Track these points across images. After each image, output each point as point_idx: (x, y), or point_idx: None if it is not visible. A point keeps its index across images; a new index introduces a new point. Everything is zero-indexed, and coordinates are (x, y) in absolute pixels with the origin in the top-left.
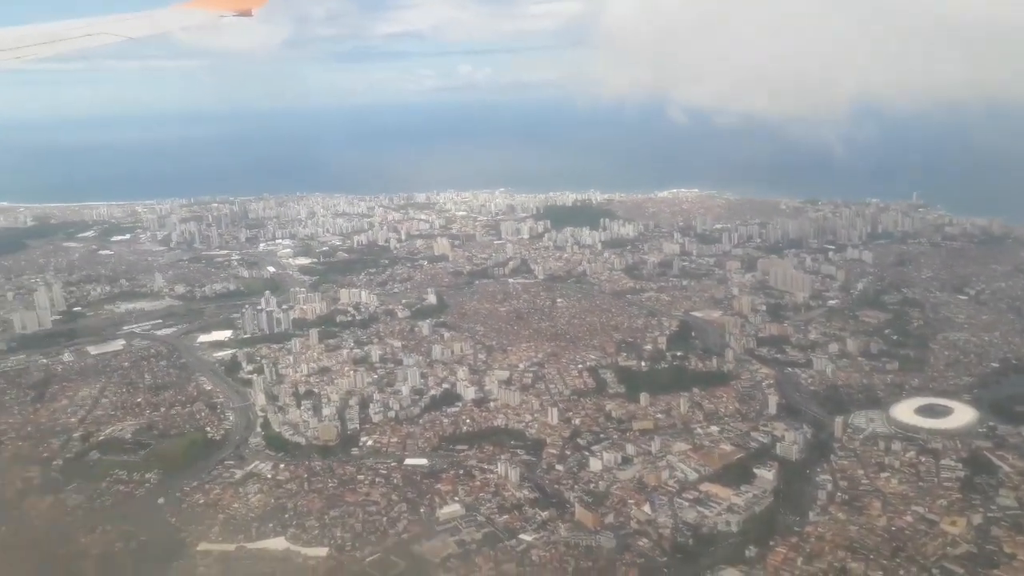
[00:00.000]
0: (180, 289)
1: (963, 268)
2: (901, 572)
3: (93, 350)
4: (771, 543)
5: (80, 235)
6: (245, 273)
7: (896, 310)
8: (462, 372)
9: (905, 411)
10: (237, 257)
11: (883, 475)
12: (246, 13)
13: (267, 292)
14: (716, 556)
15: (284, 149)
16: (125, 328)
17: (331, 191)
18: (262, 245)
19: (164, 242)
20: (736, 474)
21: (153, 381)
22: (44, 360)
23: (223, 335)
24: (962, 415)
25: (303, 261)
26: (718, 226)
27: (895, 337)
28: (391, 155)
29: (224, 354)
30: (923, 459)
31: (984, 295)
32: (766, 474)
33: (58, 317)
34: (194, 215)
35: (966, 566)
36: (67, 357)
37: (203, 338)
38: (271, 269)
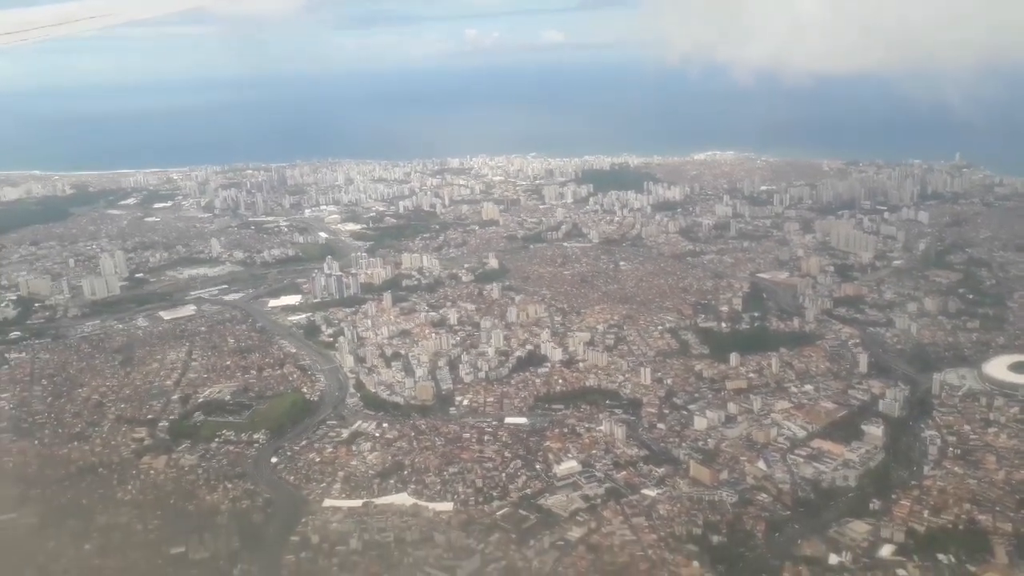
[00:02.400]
0: (239, 255)
1: (1022, 228)
2: None
3: (166, 315)
4: (893, 496)
5: (122, 203)
6: (300, 239)
7: (964, 270)
8: (545, 334)
9: (998, 368)
10: (285, 223)
11: (990, 430)
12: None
13: (328, 257)
14: (839, 509)
15: (306, 115)
16: (192, 294)
17: (362, 157)
18: (307, 211)
19: (208, 208)
20: (844, 431)
21: (236, 345)
22: (120, 325)
23: (293, 299)
24: None
25: (353, 227)
26: (764, 188)
27: (970, 296)
28: (416, 120)
29: (298, 318)
30: None
31: None
32: (874, 430)
33: (124, 283)
34: (231, 182)
35: None
36: (142, 322)
37: (273, 302)
38: (323, 235)
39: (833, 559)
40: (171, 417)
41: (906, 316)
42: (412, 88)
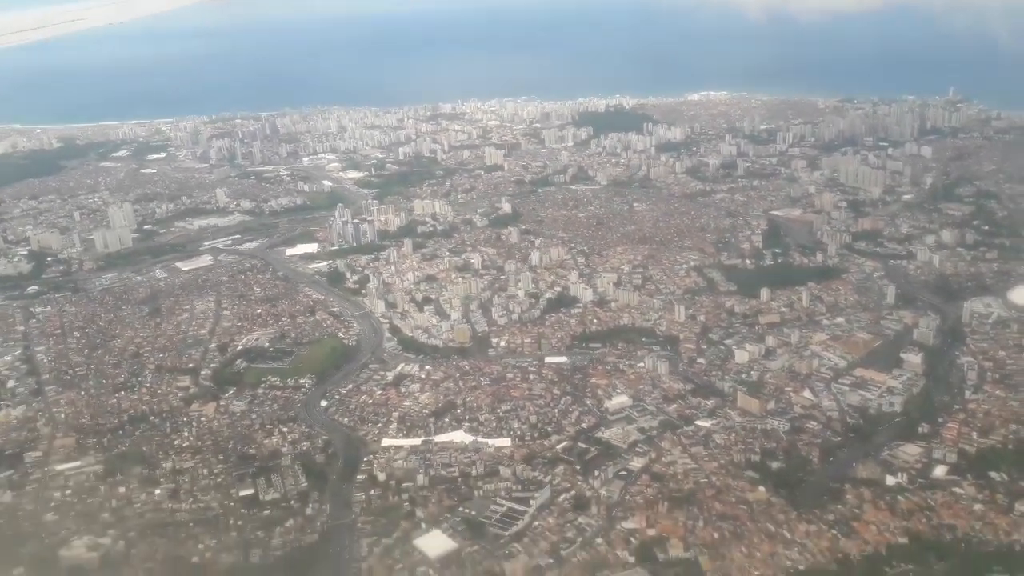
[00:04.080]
0: (246, 204)
1: None
2: None
3: (184, 266)
4: (940, 420)
5: (113, 155)
6: (304, 187)
7: (975, 202)
8: (573, 276)
9: (1023, 296)
10: (286, 172)
11: None
12: None
13: (339, 205)
14: (889, 434)
15: (290, 62)
16: (206, 244)
17: (351, 104)
18: (306, 160)
19: (203, 159)
20: (883, 359)
21: (263, 294)
22: (139, 277)
23: (310, 247)
24: None
25: (355, 174)
26: (764, 127)
27: (985, 227)
28: (402, 65)
29: (319, 266)
30: None
31: None
32: (913, 358)
33: (135, 235)
34: (221, 132)
35: None
36: (160, 273)
37: (290, 251)
38: (326, 183)
39: (890, 480)
40: (212, 365)
41: (926, 248)
42: (397, 32)
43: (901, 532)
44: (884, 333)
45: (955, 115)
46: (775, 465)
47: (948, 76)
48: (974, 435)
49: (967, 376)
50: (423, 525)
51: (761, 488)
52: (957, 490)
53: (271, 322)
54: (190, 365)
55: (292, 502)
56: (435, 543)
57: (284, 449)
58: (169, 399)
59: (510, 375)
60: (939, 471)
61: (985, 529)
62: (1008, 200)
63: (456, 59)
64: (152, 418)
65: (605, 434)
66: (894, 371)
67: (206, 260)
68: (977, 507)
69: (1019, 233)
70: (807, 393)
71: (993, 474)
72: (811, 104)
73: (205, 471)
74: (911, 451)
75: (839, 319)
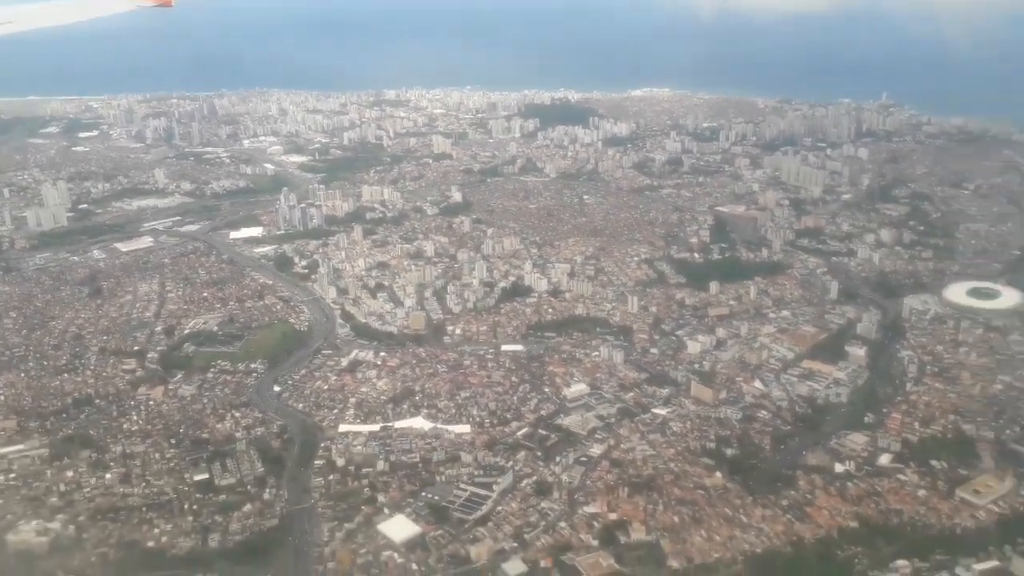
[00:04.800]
0: (186, 186)
1: (955, 164)
2: (1007, 432)
3: (123, 247)
4: (884, 410)
5: (42, 131)
6: (247, 170)
7: (910, 203)
8: (527, 266)
9: (958, 293)
10: (226, 154)
11: (961, 350)
12: (166, 3)
13: (285, 189)
14: (837, 423)
15: (226, 43)
16: (146, 225)
17: (291, 87)
18: (246, 142)
19: (139, 138)
20: (828, 352)
21: (209, 277)
22: (75, 258)
23: (255, 231)
24: (1010, 296)
25: (298, 158)
26: (707, 124)
27: (921, 228)
28: (343, 50)
29: (265, 250)
30: (991, 335)
31: (983, 189)
32: (857, 351)
33: (71, 214)
34: (157, 111)
35: None
36: (98, 254)
37: (235, 235)
38: (269, 167)
39: (839, 468)
40: (159, 348)
41: (866, 246)
42: (336, 16)
43: (851, 516)
44: (829, 327)
45: (888, 119)
46: (729, 452)
47: (881, 81)
48: (916, 425)
49: (908, 369)
50: (386, 510)
51: (718, 474)
52: (902, 477)
53: (218, 306)
54: (136, 348)
55: (249, 487)
56: (399, 527)
57: (238, 434)
58: (115, 382)
59: (467, 362)
60: (884, 459)
61: (929, 514)
62: (940, 202)
63: (398, 46)
64: (98, 401)
65: (564, 421)
66: (840, 363)
67: (146, 242)
68: (921, 493)
69: (952, 234)
70: (757, 383)
71: (934, 462)
72: (751, 104)
73: (157, 455)
74: (858, 440)
75: (785, 312)
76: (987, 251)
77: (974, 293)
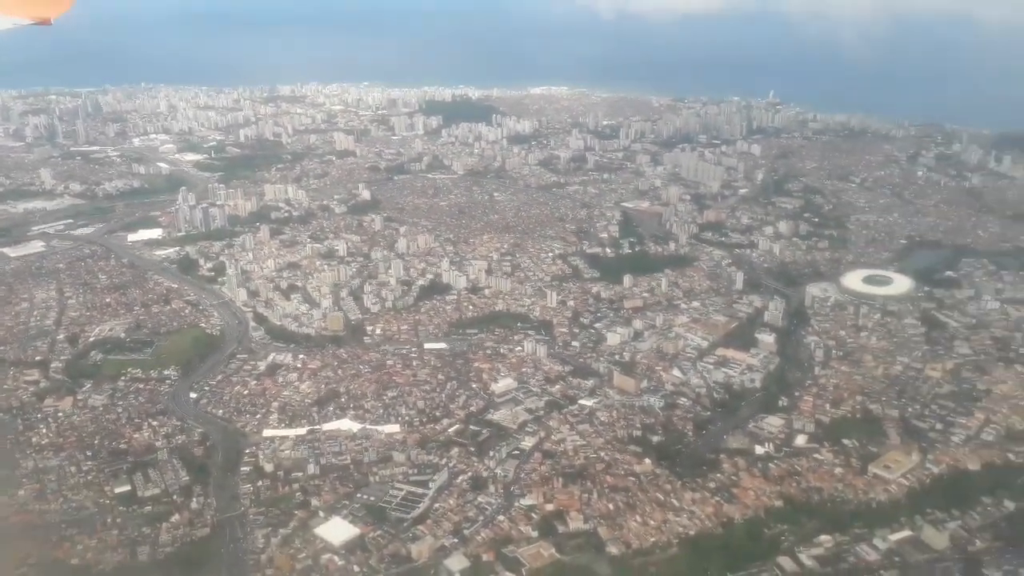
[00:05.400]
0: (75, 187)
1: (840, 159)
2: (910, 409)
3: (11, 252)
4: (796, 393)
5: None
6: (140, 170)
7: (803, 197)
8: (445, 263)
9: (854, 281)
10: (115, 153)
11: (862, 334)
12: (45, 22)
13: (183, 189)
14: (753, 407)
15: (103, 37)
16: (35, 229)
17: (178, 83)
18: (136, 140)
19: (17, 136)
20: (740, 339)
21: (110, 281)
22: None
23: (153, 233)
24: (901, 283)
25: (193, 157)
26: (607, 123)
27: (815, 219)
28: (229, 44)
29: (166, 252)
30: (888, 320)
31: (868, 182)
32: (766, 338)
33: None
34: (35, 108)
35: (957, 400)
36: None
37: (133, 237)
38: (163, 165)
39: (759, 450)
40: (63, 357)
41: (766, 238)
42: (221, 9)
43: (776, 496)
44: (738, 315)
45: (777, 116)
46: (655, 439)
47: (768, 80)
48: (827, 406)
49: (815, 354)
50: (321, 513)
51: (647, 460)
52: (818, 456)
53: (123, 312)
54: (37, 358)
55: (175, 497)
56: (336, 530)
57: (158, 443)
58: (18, 394)
59: (390, 362)
60: (800, 440)
61: (846, 490)
62: (831, 195)
63: (287, 40)
64: (0, 415)
65: (494, 416)
66: (751, 350)
67: (37, 246)
68: (837, 471)
69: (844, 225)
70: (676, 372)
71: (846, 441)
72: (646, 102)
73: (72, 469)
74: (774, 422)
75: (695, 303)
76: (877, 240)
77: (869, 280)
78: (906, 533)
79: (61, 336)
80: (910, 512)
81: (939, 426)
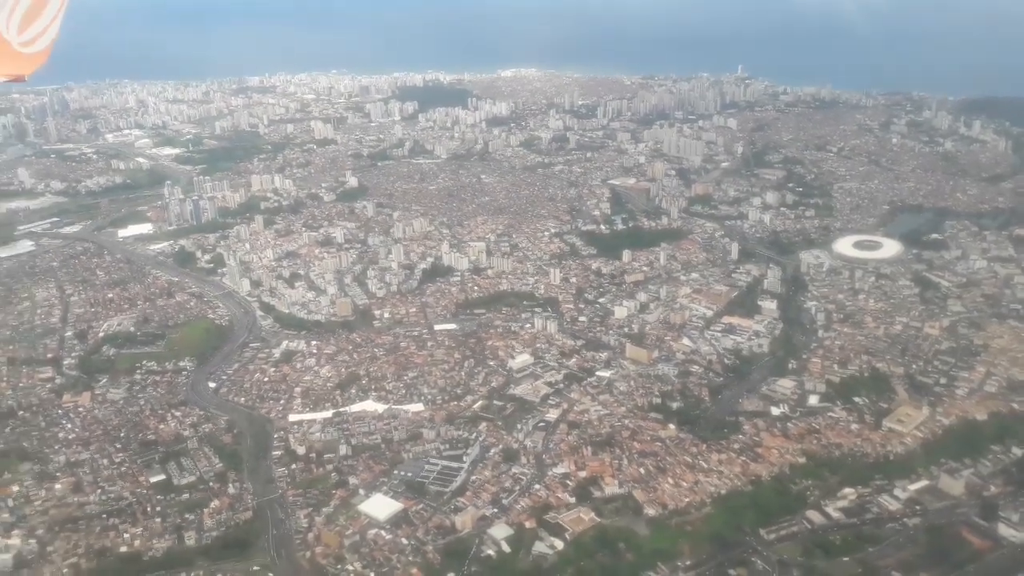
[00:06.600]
0: (56, 185)
1: (815, 129)
2: (914, 366)
3: (2, 252)
4: (803, 356)
5: None
6: (120, 165)
7: (784, 167)
8: (445, 246)
9: (845, 247)
10: (91, 150)
11: (860, 297)
12: (19, 79)
13: (168, 183)
14: (764, 371)
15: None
16: (21, 228)
17: (141, 77)
18: (110, 136)
19: None
20: (743, 307)
21: (108, 277)
22: None
23: (143, 228)
24: (890, 247)
25: (171, 151)
26: (583, 102)
27: (799, 189)
28: (184, 37)
29: (160, 246)
30: (882, 282)
31: (845, 151)
32: (768, 305)
33: None
34: (0, 107)
35: (957, 355)
36: None
37: (123, 233)
38: (142, 161)
39: (775, 411)
40: (75, 354)
41: (755, 209)
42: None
43: (798, 453)
44: (737, 285)
45: (748, 90)
46: (674, 405)
47: (733, 55)
48: (835, 367)
49: (816, 317)
50: (361, 491)
51: (671, 426)
52: (832, 415)
53: (126, 306)
54: (48, 355)
55: (211, 483)
56: (380, 506)
57: (185, 433)
58: (36, 391)
59: (404, 344)
60: (813, 400)
61: (864, 444)
62: (811, 165)
63: (246, 30)
64: (21, 413)
65: (516, 391)
66: (755, 317)
67: (26, 245)
68: (853, 427)
69: (828, 193)
70: (685, 341)
71: (857, 399)
72: (618, 81)
73: (105, 461)
74: (786, 384)
75: (694, 275)
76: (861, 207)
77: (859, 245)
78: (924, 483)
79: (69, 333)
80: (925, 463)
81: (943, 381)
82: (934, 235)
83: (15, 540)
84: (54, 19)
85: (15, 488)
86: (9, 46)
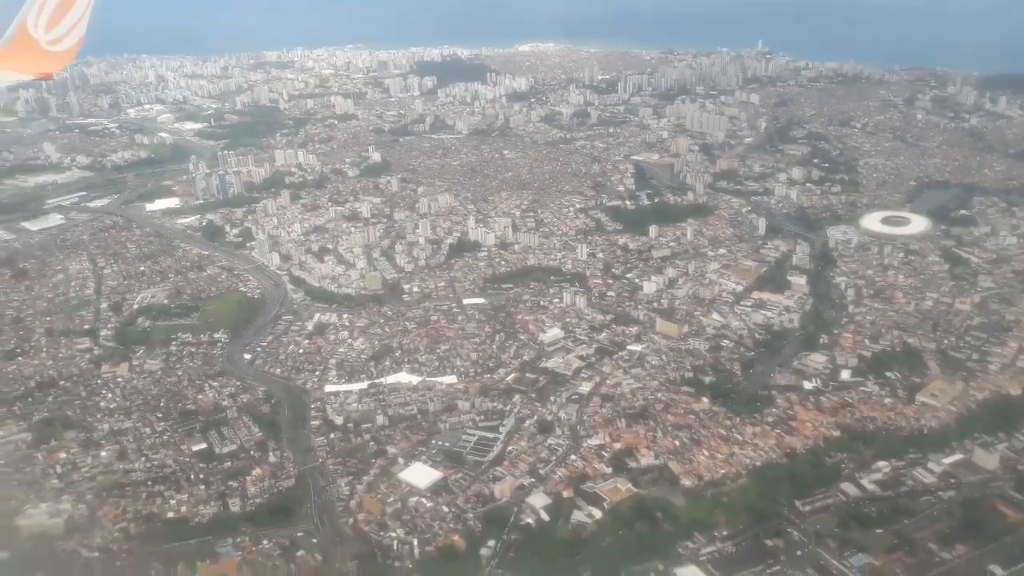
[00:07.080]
0: (82, 160)
1: (838, 105)
2: (945, 341)
3: (32, 226)
4: (835, 331)
5: None
6: (144, 140)
7: (809, 143)
8: (471, 221)
9: (873, 223)
10: (113, 125)
11: (889, 272)
12: (46, 77)
13: (193, 157)
14: (795, 346)
15: None
16: (50, 202)
17: (160, 52)
18: (132, 111)
19: (8, 112)
20: (772, 283)
21: (139, 251)
22: None
23: (171, 202)
24: (918, 223)
25: (193, 125)
26: (602, 77)
27: (825, 165)
28: (202, 13)
29: (188, 220)
30: (912, 258)
31: (870, 126)
32: (798, 280)
33: None
34: (21, 82)
35: (988, 330)
36: (6, 234)
37: (151, 207)
38: (165, 135)
39: (807, 385)
40: (111, 325)
41: (781, 185)
42: None
43: (832, 426)
44: (766, 260)
45: (769, 65)
46: (707, 379)
47: (753, 30)
48: (866, 342)
49: (846, 293)
50: (400, 460)
51: (704, 399)
52: (865, 389)
53: (158, 279)
54: (85, 327)
55: (251, 452)
56: (420, 474)
57: (224, 403)
58: (75, 362)
59: (434, 317)
60: (845, 374)
61: (897, 418)
62: (836, 141)
63: (264, 4)
64: (62, 383)
65: (547, 364)
66: (785, 292)
67: (56, 219)
68: (886, 401)
69: (854, 169)
70: (715, 315)
71: (889, 373)
72: (637, 56)
73: (147, 430)
74: (817, 359)
75: (722, 250)
76: (887, 183)
77: (887, 221)
78: (958, 456)
79: (104, 305)
80: (959, 437)
81: (975, 356)
82: (962, 211)
83: (66, 505)
84: (81, 19)
85: (62, 455)
86: (37, 44)
